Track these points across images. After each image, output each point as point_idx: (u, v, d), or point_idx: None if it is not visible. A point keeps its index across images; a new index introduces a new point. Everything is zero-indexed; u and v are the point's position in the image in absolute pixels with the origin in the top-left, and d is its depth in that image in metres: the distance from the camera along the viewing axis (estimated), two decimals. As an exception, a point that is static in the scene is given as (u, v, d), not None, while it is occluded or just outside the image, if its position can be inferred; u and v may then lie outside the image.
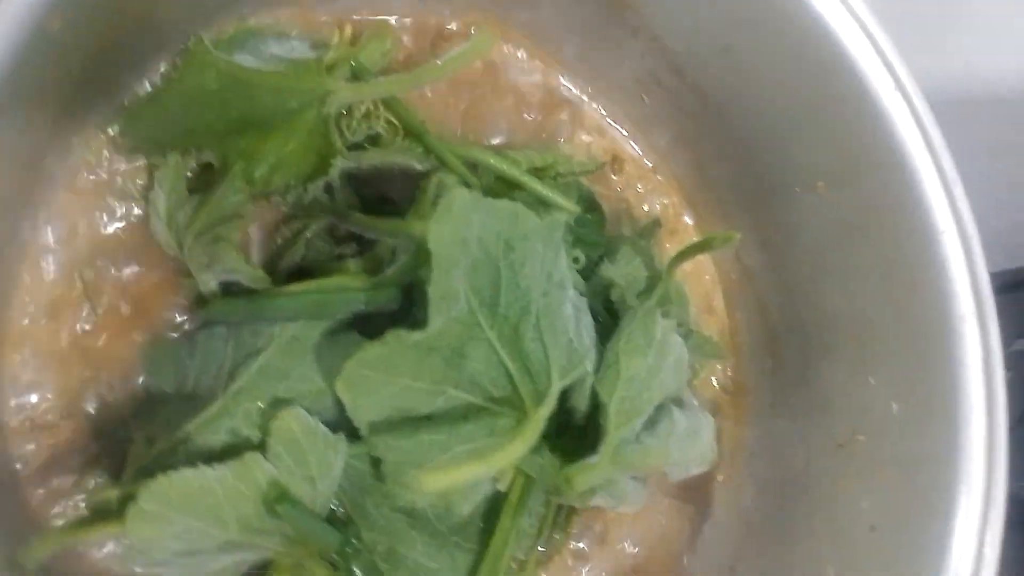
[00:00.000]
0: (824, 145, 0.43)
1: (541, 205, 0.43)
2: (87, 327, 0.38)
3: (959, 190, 0.40)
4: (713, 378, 0.51)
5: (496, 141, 0.48)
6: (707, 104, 0.47)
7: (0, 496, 0.28)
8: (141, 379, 0.38)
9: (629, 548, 0.47)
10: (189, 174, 0.38)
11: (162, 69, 0.39)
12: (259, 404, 0.34)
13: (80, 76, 0.34)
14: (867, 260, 0.43)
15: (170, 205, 0.37)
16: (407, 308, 0.38)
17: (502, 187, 0.43)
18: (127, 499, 0.30)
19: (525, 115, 0.49)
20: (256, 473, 0.31)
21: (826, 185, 0.44)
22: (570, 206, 0.43)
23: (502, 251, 0.35)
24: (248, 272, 0.36)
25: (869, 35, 0.40)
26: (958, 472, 0.38)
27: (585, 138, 0.50)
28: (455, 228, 0.33)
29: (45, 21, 0.30)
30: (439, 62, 0.41)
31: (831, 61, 0.40)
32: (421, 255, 0.34)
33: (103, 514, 0.32)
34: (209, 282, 0.37)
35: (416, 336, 0.34)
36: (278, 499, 0.31)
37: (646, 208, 0.51)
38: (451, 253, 0.33)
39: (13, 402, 0.36)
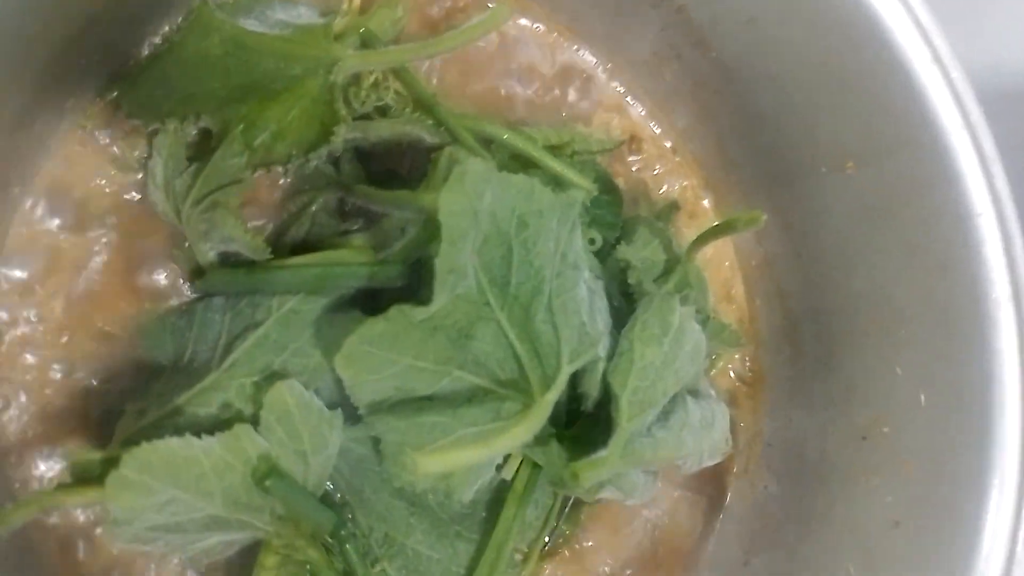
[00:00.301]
0: (853, 122, 0.41)
1: (556, 184, 0.42)
2: (81, 293, 0.37)
3: (998, 168, 0.38)
4: (730, 367, 0.49)
5: (511, 118, 0.46)
6: (730, 79, 0.45)
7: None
8: (135, 350, 0.37)
9: (640, 540, 0.46)
10: (188, 141, 0.37)
11: (163, 33, 0.38)
12: (254, 378, 0.33)
13: (75, 37, 0.32)
14: (895, 243, 0.41)
15: (168, 172, 0.36)
16: (413, 288, 0.37)
17: (516, 164, 0.41)
18: (110, 464, 0.29)
19: (541, 92, 0.48)
20: (246, 445, 0.30)
21: (855, 164, 0.42)
22: (587, 185, 0.42)
23: (515, 227, 0.34)
24: (247, 240, 0.35)
25: (904, 2, 0.38)
26: (990, 465, 0.36)
27: (603, 116, 0.49)
28: (467, 199, 0.32)
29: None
30: (453, 32, 0.40)
31: (863, 32, 0.38)
32: (431, 228, 0.33)
33: (85, 480, 0.31)
34: (207, 252, 0.36)
35: (421, 312, 0.32)
36: (268, 473, 0.30)
37: (664, 190, 0.50)
38: (461, 225, 0.32)
39: None
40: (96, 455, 0.30)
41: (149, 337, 0.36)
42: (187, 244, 0.37)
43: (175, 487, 0.29)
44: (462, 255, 0.32)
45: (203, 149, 0.36)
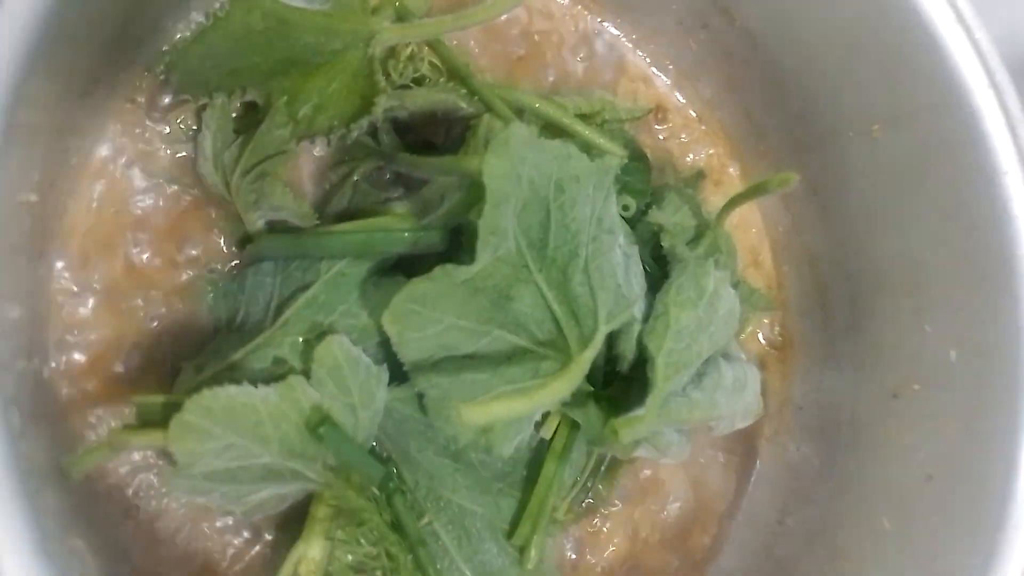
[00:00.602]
0: (880, 85, 0.42)
1: (588, 151, 0.43)
2: (139, 256, 0.38)
3: (1023, 129, 0.39)
4: (759, 333, 0.50)
5: (537, 87, 0.47)
6: (756, 47, 0.46)
7: (48, 409, 0.28)
8: (189, 312, 0.38)
9: (674, 501, 0.47)
10: (234, 115, 0.38)
11: (207, 10, 0.39)
12: (305, 335, 0.34)
13: (132, 13, 0.34)
14: (923, 204, 0.41)
15: (217, 145, 0.38)
16: (453, 253, 0.38)
17: (548, 133, 0.42)
18: (172, 409, 0.30)
19: (570, 63, 0.49)
20: (300, 395, 0.31)
21: (881, 127, 0.42)
22: (620, 151, 0.43)
23: (552, 192, 0.35)
24: (295, 207, 0.36)
25: (929, -37, 0.38)
26: (1022, 420, 0.37)
27: (629, 86, 0.49)
28: (510, 163, 0.33)
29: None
30: (486, 4, 0.41)
31: (888, -6, 0.39)
32: (474, 191, 0.34)
33: (149, 423, 0.32)
34: (256, 221, 0.37)
35: (464, 272, 0.34)
36: (321, 422, 0.31)
37: (691, 159, 0.51)
38: (503, 188, 0.33)
39: (64, 322, 0.36)
40: (159, 399, 0.32)
41: (202, 300, 0.38)
42: (234, 214, 0.38)
43: (234, 433, 0.30)
44: (504, 218, 0.33)
45: (249, 122, 0.38)
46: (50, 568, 0.25)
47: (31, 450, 0.27)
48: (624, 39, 0.49)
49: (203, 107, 0.38)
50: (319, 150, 0.41)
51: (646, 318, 0.39)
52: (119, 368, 0.37)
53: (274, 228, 0.37)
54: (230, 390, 0.30)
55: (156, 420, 0.32)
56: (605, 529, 0.45)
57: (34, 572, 0.25)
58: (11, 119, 0.27)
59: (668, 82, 0.50)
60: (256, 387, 0.31)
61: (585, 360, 0.37)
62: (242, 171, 0.37)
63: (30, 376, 0.34)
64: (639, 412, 0.37)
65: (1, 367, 0.30)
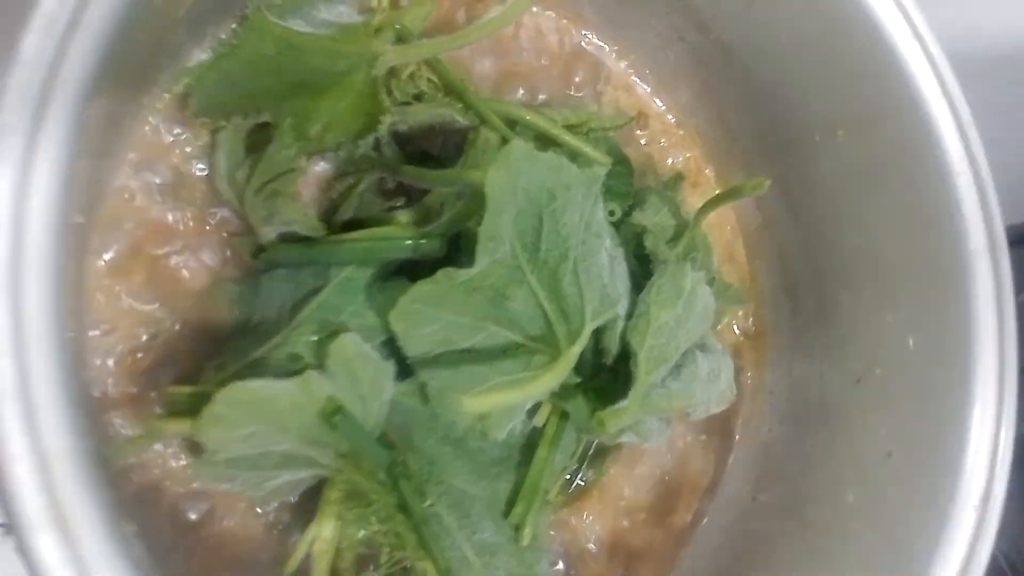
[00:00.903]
0: (844, 93, 0.45)
1: (576, 159, 0.45)
2: (163, 264, 0.41)
3: (973, 133, 0.42)
4: (734, 324, 0.53)
5: (527, 99, 0.50)
6: (730, 58, 0.49)
7: (83, 405, 0.31)
8: (207, 316, 0.41)
9: (657, 481, 0.50)
10: (245, 135, 0.41)
11: (221, 36, 0.42)
12: (318, 335, 0.38)
13: (164, 39, 0.36)
14: (885, 203, 0.45)
15: (230, 165, 0.40)
16: (451, 258, 0.41)
17: (538, 143, 0.45)
18: (198, 399, 0.33)
19: (554, 74, 0.52)
20: (315, 388, 0.34)
21: (845, 132, 0.46)
22: (604, 159, 0.46)
23: (545, 200, 0.37)
24: (305, 222, 0.39)
25: (886, -15, 0.41)
26: (972, 399, 0.40)
27: (612, 94, 0.52)
28: (509, 175, 0.35)
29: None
30: (479, 24, 0.44)
31: (850, 12, 0.42)
32: (474, 201, 0.37)
33: (177, 413, 0.35)
34: (269, 234, 0.40)
35: (463, 275, 0.37)
36: (335, 411, 0.35)
37: (670, 162, 0.54)
38: (503, 198, 0.36)
39: (95, 321, 0.39)
40: (186, 390, 0.35)
41: (220, 303, 0.41)
42: (249, 226, 0.41)
43: (258, 422, 0.33)
44: (502, 224, 0.36)
45: (260, 141, 0.40)
46: (123, 550, 0.29)
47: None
48: (607, 51, 0.52)
49: (219, 128, 0.40)
50: (325, 164, 0.44)
51: (629, 315, 0.42)
52: (143, 367, 0.40)
53: (286, 238, 0.40)
54: (255, 383, 0.33)
55: (184, 410, 0.35)
56: (594, 508, 0.48)
57: (111, 556, 0.28)
58: (77, 147, 0.30)
59: (648, 90, 0.53)
60: (276, 380, 0.34)
61: (573, 354, 0.40)
62: (254, 189, 0.39)
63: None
64: (623, 404, 0.41)
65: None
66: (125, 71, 0.34)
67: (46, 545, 0.28)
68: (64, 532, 0.28)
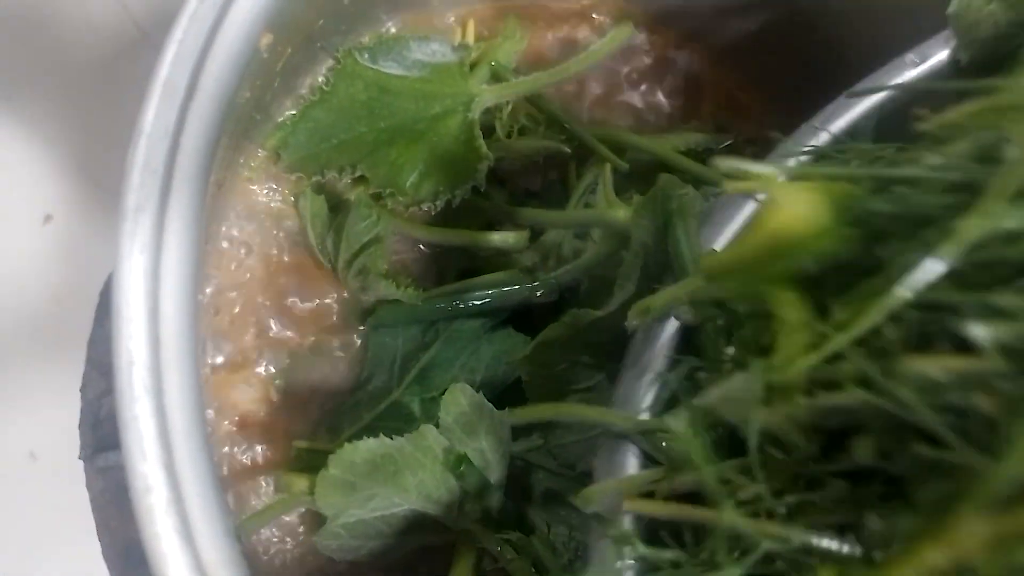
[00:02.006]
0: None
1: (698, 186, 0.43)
2: (268, 324, 0.40)
3: None
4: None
5: (632, 125, 0.47)
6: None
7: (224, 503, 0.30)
8: (316, 375, 0.40)
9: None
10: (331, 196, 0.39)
11: (311, 84, 0.41)
12: (431, 394, 0.36)
13: (256, 96, 0.36)
14: None
15: (317, 234, 0.39)
16: (558, 302, 0.39)
17: (648, 168, 0.42)
18: (319, 460, 0.32)
19: (649, 97, 0.49)
20: (432, 443, 0.32)
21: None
22: (719, 179, 0.42)
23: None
24: (403, 295, 0.38)
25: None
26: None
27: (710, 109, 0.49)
28: (657, 214, 0.33)
29: (257, 38, 0.32)
30: (582, 56, 0.42)
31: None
32: (613, 240, 0.35)
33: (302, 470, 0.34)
34: (368, 301, 0.39)
35: (593, 315, 0.34)
36: (459, 462, 0.33)
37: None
38: (644, 237, 0.33)
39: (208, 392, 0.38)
40: (305, 444, 0.35)
41: (330, 362, 0.40)
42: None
43: (374, 482, 0.32)
44: (636, 263, 0.34)
45: (345, 203, 0.39)
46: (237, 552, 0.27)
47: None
48: (693, 58, 0.49)
49: (318, 185, 0.39)
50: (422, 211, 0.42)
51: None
52: (252, 430, 0.39)
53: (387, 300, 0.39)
54: (369, 443, 0.32)
55: (308, 467, 0.34)
56: None
57: (228, 553, 0.27)
58: (202, 219, 0.29)
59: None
60: (390, 439, 0.32)
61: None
62: (344, 263, 0.38)
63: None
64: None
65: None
66: (232, 133, 0.33)
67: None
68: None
